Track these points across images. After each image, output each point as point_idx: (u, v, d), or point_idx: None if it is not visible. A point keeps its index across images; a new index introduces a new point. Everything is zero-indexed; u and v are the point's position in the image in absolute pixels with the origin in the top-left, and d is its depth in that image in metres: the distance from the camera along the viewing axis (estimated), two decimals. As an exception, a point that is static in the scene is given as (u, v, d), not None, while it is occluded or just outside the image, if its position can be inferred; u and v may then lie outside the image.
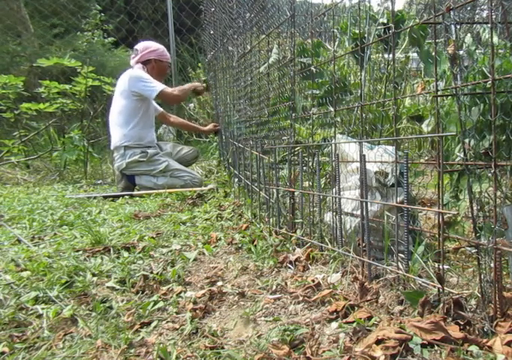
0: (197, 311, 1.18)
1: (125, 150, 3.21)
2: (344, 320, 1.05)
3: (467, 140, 1.17)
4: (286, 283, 1.30)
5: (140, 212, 2.43)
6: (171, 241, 1.84)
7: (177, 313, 1.20)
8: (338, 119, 2.17)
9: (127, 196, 2.98)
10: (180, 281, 1.42)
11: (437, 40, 1.06)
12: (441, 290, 1.01)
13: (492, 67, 0.90)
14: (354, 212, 1.48)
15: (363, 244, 1.27)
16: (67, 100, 4.23)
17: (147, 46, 3.35)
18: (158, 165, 3.23)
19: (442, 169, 1.01)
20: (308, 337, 0.98)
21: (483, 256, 0.99)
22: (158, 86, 3.17)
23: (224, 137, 3.66)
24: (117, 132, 3.27)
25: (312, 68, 1.88)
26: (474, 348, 0.87)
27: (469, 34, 1.39)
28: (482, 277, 0.97)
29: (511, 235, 1.06)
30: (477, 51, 1.34)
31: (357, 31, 2.12)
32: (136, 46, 3.38)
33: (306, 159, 1.72)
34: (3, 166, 4.20)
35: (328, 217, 1.57)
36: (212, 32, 3.90)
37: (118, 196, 2.98)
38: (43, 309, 1.22)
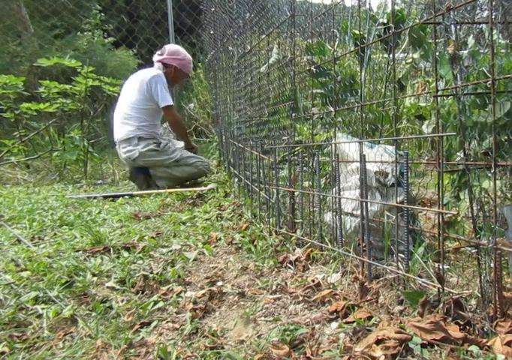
0: (197, 311, 1.18)
1: (139, 140, 3.28)
2: (344, 320, 1.05)
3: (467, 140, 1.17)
4: (286, 283, 1.30)
5: (140, 212, 2.43)
6: (171, 241, 1.84)
7: (177, 313, 1.20)
8: (340, 119, 2.17)
9: (127, 196, 2.98)
10: (180, 281, 1.42)
11: (437, 40, 1.06)
12: (441, 290, 1.01)
13: (492, 67, 0.90)
14: (354, 212, 1.48)
15: (363, 244, 1.27)
16: (67, 100, 4.22)
17: (175, 52, 3.49)
18: (172, 154, 3.30)
19: (442, 169, 1.01)
20: (308, 337, 0.98)
21: (483, 256, 0.99)
22: (170, 101, 3.33)
23: (224, 137, 3.65)
24: (128, 125, 3.31)
25: (312, 68, 1.88)
26: (474, 348, 0.87)
27: (471, 35, 1.39)
28: (482, 277, 0.97)
29: (511, 235, 1.06)
30: (479, 51, 1.34)
31: (357, 32, 2.12)
32: (166, 46, 3.53)
33: (306, 159, 1.72)
34: (3, 166, 4.20)
35: (328, 217, 1.57)
36: (212, 32, 3.90)
37: (118, 196, 2.98)
38: (43, 309, 1.22)
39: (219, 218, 2.20)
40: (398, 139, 1.28)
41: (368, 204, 1.25)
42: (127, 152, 3.30)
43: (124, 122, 3.35)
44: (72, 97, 4.30)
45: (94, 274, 1.45)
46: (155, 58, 3.51)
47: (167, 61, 3.46)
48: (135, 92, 3.36)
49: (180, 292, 1.32)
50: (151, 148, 3.25)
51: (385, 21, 2.07)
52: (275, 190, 1.77)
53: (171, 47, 3.54)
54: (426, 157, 2.76)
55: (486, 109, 1.21)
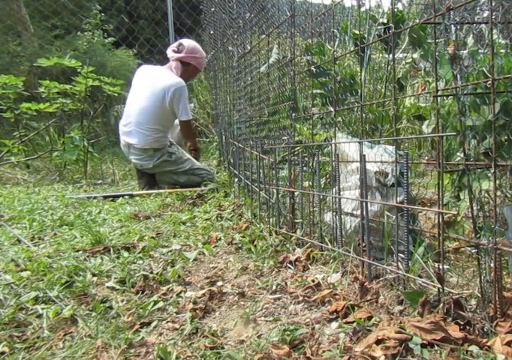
0: (197, 311, 1.18)
1: (154, 151, 3.25)
2: (344, 320, 1.05)
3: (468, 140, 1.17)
4: (286, 283, 1.30)
5: (140, 212, 2.43)
6: (171, 241, 1.84)
7: (177, 313, 1.20)
8: (340, 119, 2.17)
9: (127, 196, 2.98)
10: (180, 281, 1.42)
11: (437, 40, 1.06)
12: (441, 290, 1.01)
13: (492, 67, 0.90)
14: (354, 212, 1.48)
15: (363, 244, 1.27)
16: (67, 100, 4.22)
17: (194, 51, 3.32)
18: (182, 164, 3.31)
19: (442, 169, 1.01)
20: (308, 337, 0.98)
21: (483, 256, 0.99)
22: (190, 115, 3.30)
23: (224, 137, 3.65)
24: (144, 135, 3.22)
25: (312, 68, 1.88)
26: (474, 348, 0.87)
27: (471, 35, 1.39)
28: (482, 277, 0.97)
29: (511, 235, 1.06)
30: (479, 51, 1.34)
31: (357, 32, 2.12)
32: (184, 42, 3.32)
33: (306, 159, 1.72)
34: (3, 166, 4.20)
35: (328, 217, 1.57)
36: (212, 32, 3.90)
37: (118, 196, 2.98)
38: (43, 309, 1.22)
39: (219, 218, 2.20)
40: (398, 139, 1.28)
41: (368, 204, 1.25)
42: (139, 160, 3.27)
43: (138, 131, 3.22)
44: (72, 97, 4.30)
45: (94, 274, 1.45)
46: (172, 55, 3.30)
47: (187, 60, 3.28)
48: (153, 98, 3.18)
49: (180, 292, 1.32)
50: (164, 160, 3.26)
51: (385, 21, 2.07)
52: (275, 190, 1.77)
53: (189, 44, 3.32)
54: (426, 157, 2.75)
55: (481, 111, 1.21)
